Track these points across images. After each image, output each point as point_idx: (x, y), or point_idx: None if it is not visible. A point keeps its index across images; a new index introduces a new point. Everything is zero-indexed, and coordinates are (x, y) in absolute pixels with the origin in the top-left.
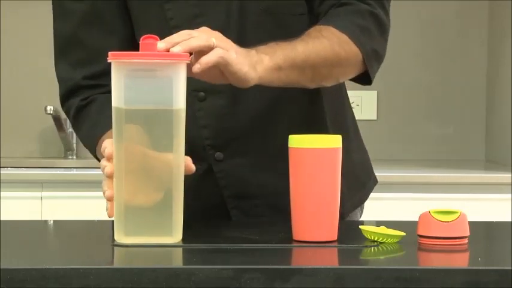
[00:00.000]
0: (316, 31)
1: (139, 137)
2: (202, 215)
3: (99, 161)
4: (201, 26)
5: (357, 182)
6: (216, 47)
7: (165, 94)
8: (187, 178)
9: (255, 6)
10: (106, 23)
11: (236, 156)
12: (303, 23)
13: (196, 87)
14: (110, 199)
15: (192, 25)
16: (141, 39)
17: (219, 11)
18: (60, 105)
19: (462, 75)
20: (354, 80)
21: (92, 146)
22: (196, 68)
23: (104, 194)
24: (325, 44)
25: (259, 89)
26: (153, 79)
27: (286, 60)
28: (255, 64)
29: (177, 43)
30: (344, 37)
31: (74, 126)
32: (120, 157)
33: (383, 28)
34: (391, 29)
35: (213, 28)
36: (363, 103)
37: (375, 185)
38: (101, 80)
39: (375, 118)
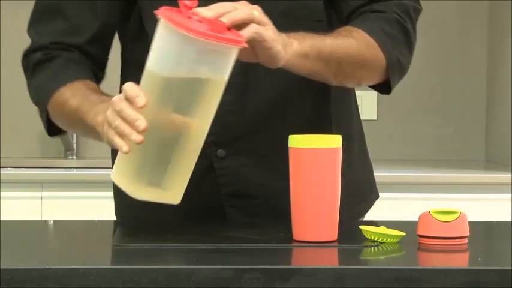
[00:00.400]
0: (345, 31)
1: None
2: (198, 211)
3: (43, 116)
4: None
5: (357, 193)
6: (256, 21)
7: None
8: None
9: (274, 8)
10: (94, 3)
11: (238, 154)
12: (321, 30)
13: None
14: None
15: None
16: None
17: None
18: None
19: (462, 75)
20: (374, 87)
21: (45, 96)
22: (245, 32)
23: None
24: (352, 43)
25: (267, 90)
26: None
27: (313, 48)
28: (285, 45)
29: (222, 14)
30: (371, 41)
31: (30, 77)
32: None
33: (410, 40)
34: None
35: None
36: (363, 103)
37: (376, 199)
38: (70, 48)
39: (375, 118)
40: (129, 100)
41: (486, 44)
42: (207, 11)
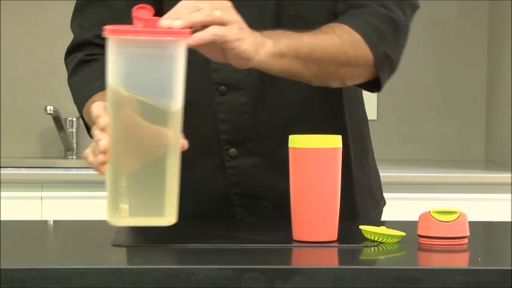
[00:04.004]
0: (328, 27)
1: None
2: (207, 210)
3: (83, 120)
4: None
5: (373, 199)
6: (218, 21)
7: (165, 73)
8: (198, 174)
9: (289, 10)
10: None
11: (250, 155)
12: None
13: (218, 81)
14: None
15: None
16: (133, 9)
17: (253, 10)
18: (61, 106)
19: (462, 75)
20: (362, 86)
21: (81, 102)
22: (190, 40)
23: (95, 153)
24: (334, 41)
25: (282, 92)
26: (152, 57)
27: (290, 48)
28: (257, 45)
29: (178, 18)
30: (356, 36)
31: (70, 77)
32: (118, 136)
33: (400, 34)
34: None
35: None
36: None
37: (384, 206)
38: None
39: (375, 118)
40: (95, 122)
41: (486, 44)
42: (165, 20)
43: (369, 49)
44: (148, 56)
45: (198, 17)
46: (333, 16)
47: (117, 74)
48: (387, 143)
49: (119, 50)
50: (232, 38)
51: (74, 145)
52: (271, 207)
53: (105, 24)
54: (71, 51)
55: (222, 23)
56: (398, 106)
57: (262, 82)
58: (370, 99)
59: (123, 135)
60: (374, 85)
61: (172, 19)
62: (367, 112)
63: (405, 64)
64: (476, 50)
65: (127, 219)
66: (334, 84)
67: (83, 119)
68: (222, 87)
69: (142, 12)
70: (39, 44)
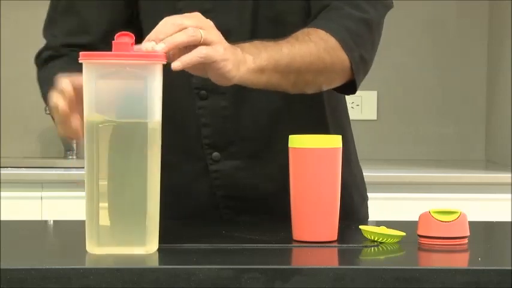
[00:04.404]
0: (304, 34)
1: (112, 148)
2: (193, 213)
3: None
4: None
5: (360, 196)
6: (202, 41)
7: (140, 103)
8: (182, 177)
9: (267, 11)
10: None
11: (233, 158)
12: None
13: (199, 85)
14: (64, 115)
15: None
16: (115, 36)
17: (232, 11)
18: None
19: (462, 75)
20: (337, 89)
21: (46, 90)
22: (176, 65)
23: (54, 108)
24: (311, 49)
25: (263, 96)
26: (125, 83)
27: (270, 62)
28: (238, 63)
29: (160, 40)
30: (332, 42)
31: (37, 72)
32: (92, 169)
33: (375, 35)
34: (391, 28)
35: (225, 27)
36: (363, 103)
37: (367, 201)
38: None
39: (375, 118)
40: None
41: (486, 44)
42: (147, 44)
43: (345, 54)
44: (123, 80)
45: (181, 39)
46: (307, 16)
47: (91, 100)
48: (387, 143)
49: (93, 75)
50: (219, 58)
51: (74, 145)
52: (257, 209)
53: (77, 32)
54: (40, 53)
55: (206, 43)
56: (398, 106)
57: (242, 86)
58: (370, 99)
59: (104, 179)
60: (348, 87)
61: (155, 41)
62: (367, 112)
63: (405, 64)
64: (476, 50)
65: (107, 248)
66: (311, 91)
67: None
68: (203, 92)
69: (122, 39)
70: (39, 44)
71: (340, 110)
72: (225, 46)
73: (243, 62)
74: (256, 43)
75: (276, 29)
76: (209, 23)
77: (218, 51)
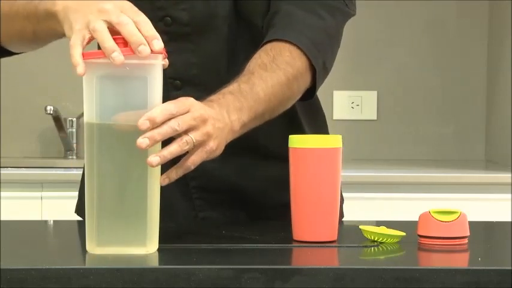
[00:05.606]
0: (270, 60)
1: (112, 152)
2: (167, 203)
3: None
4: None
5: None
6: (195, 144)
7: (140, 103)
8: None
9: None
10: None
11: None
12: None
13: (172, 75)
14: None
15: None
16: (112, 37)
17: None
18: (61, 106)
19: (462, 75)
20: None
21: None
22: (174, 173)
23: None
24: (281, 79)
25: None
26: (125, 83)
27: (250, 116)
28: (227, 134)
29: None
30: (298, 64)
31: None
32: (92, 170)
33: (334, 43)
34: (392, 28)
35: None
36: (363, 103)
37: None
38: None
39: (375, 118)
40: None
41: (486, 44)
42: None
43: (309, 74)
44: (123, 80)
45: (175, 150)
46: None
47: (92, 100)
48: (387, 143)
49: (93, 75)
50: (215, 152)
51: (74, 145)
52: (230, 202)
53: None
54: None
55: (199, 145)
56: (398, 106)
57: (217, 77)
58: (370, 99)
59: (104, 184)
60: (307, 94)
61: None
62: (367, 112)
63: (405, 64)
64: (476, 50)
65: (107, 248)
66: (279, 113)
67: None
68: (177, 82)
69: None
70: None
71: (316, 110)
72: (214, 131)
73: (230, 129)
74: (235, 92)
75: (239, 29)
76: (198, 106)
77: (212, 146)
